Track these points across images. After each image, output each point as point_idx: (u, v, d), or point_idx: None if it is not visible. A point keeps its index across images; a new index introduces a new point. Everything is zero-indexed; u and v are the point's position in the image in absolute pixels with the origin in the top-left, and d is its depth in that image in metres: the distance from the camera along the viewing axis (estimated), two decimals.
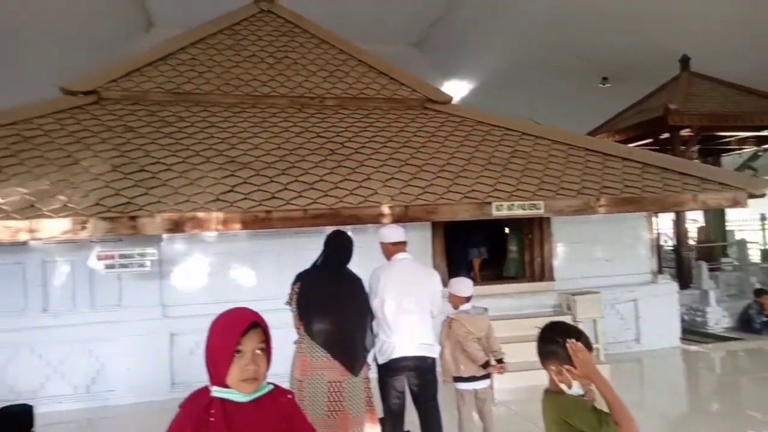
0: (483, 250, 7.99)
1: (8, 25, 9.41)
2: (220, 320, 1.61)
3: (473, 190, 6.17)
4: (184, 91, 7.69)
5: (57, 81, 7.34)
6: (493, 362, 3.81)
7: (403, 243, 3.87)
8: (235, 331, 1.54)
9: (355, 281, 3.56)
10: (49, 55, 10.09)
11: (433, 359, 3.72)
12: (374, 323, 3.64)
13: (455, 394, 3.97)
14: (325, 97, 8.15)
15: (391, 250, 3.84)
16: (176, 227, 5.32)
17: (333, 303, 3.35)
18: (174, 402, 5.50)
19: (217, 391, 1.58)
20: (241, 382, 1.55)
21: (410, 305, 3.66)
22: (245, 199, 5.61)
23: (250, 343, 1.55)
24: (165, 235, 5.91)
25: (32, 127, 6.49)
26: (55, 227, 5.01)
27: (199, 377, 5.55)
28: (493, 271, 7.91)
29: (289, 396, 1.71)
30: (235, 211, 5.44)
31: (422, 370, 3.67)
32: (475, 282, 6.56)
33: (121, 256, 5.35)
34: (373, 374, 3.61)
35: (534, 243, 7.17)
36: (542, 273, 7.03)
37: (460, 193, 6.10)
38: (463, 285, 4.07)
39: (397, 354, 3.61)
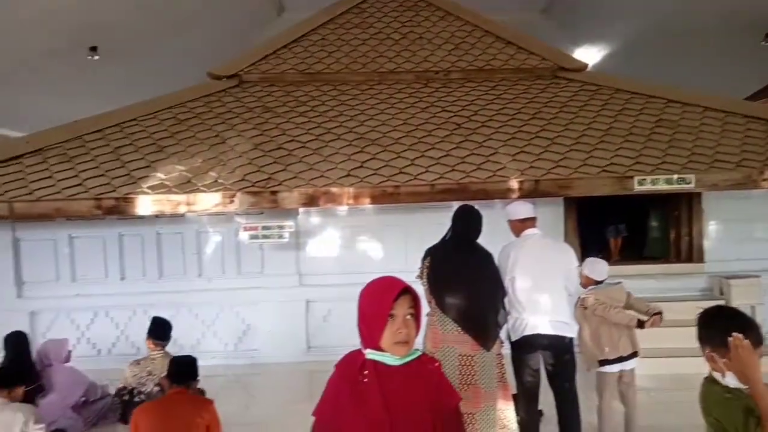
0: (622, 227, 7.45)
1: (161, 18, 10.45)
2: (372, 287, 1.67)
3: (612, 163, 5.75)
4: (316, 71, 8.01)
5: (204, 67, 8.04)
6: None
7: (532, 219, 3.72)
8: (388, 297, 1.59)
9: (487, 256, 3.49)
10: (195, 45, 11.03)
11: (571, 339, 3.56)
12: (506, 300, 3.56)
13: (596, 378, 3.79)
14: (450, 70, 8.03)
15: (519, 227, 3.71)
16: (311, 201, 5.61)
17: (464, 278, 3.32)
18: (310, 364, 5.91)
19: (370, 353, 1.64)
20: (394, 345, 1.60)
21: (543, 282, 3.52)
22: (374, 174, 5.75)
23: (401, 308, 1.60)
24: (301, 209, 6.26)
25: (185, 111, 7.17)
26: (208, 201, 5.53)
27: (332, 342, 5.90)
28: (632, 251, 7.35)
29: (436, 364, 1.73)
30: (365, 186, 5.59)
31: (558, 349, 3.53)
32: (612, 262, 6.23)
33: (264, 228, 5.78)
34: (507, 351, 3.55)
35: (681, 220, 6.53)
36: (690, 253, 6.40)
37: (598, 166, 5.71)
38: (598, 267, 3.84)
39: (530, 331, 3.50)
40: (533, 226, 3.69)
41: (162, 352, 4.43)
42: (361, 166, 5.88)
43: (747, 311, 5.59)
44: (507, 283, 3.56)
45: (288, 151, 6.21)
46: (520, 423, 3.51)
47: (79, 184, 5.67)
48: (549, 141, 6.24)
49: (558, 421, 3.62)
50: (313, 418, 1.71)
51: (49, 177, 5.84)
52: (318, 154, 6.13)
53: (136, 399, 4.24)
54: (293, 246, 6.26)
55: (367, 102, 7.39)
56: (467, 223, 3.49)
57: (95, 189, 5.59)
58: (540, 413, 3.78)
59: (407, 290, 1.62)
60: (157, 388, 4.25)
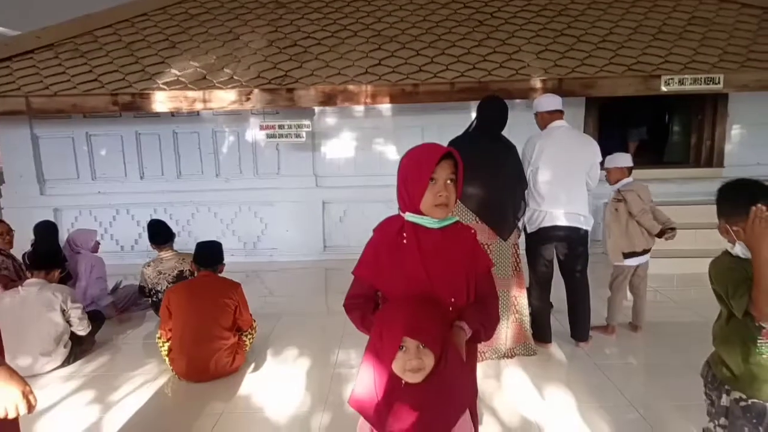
0: (643, 130, 7.32)
1: None
2: (415, 151, 1.69)
3: (638, 62, 5.53)
4: None
5: None
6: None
7: (560, 112, 3.64)
8: (431, 161, 1.61)
9: (510, 148, 3.45)
10: None
11: (586, 231, 3.59)
12: (526, 192, 3.56)
13: (613, 271, 3.89)
14: None
15: (546, 119, 3.64)
16: (329, 100, 5.51)
17: (485, 169, 3.28)
18: (326, 263, 6.07)
19: (410, 216, 1.69)
20: (434, 207, 1.63)
21: (565, 174, 3.50)
22: (392, 72, 5.60)
23: (442, 172, 1.62)
24: (317, 110, 6.17)
25: (197, 5, 6.91)
26: (225, 98, 5.46)
27: (347, 242, 6.02)
28: (652, 156, 7.25)
29: (472, 231, 1.77)
30: (384, 84, 5.46)
31: (573, 240, 3.57)
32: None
33: (280, 127, 5.73)
34: (522, 242, 3.61)
35: (704, 125, 6.37)
36: (710, 158, 6.30)
37: (624, 65, 5.51)
38: (622, 156, 3.86)
39: (547, 223, 3.53)
40: (560, 118, 3.62)
41: (170, 252, 4.42)
42: (378, 64, 5.72)
43: None
44: (529, 174, 3.55)
45: (304, 48, 6.03)
46: (533, 310, 3.64)
47: (95, 80, 5.61)
48: (575, 39, 5.99)
49: (568, 310, 3.74)
50: (352, 277, 1.78)
51: (63, 72, 5.77)
52: (334, 52, 5.95)
53: (154, 299, 4.36)
54: (309, 147, 6.24)
55: None
56: (491, 113, 3.41)
57: (111, 84, 5.53)
58: (550, 305, 3.91)
59: (449, 155, 1.64)
60: (170, 286, 4.36)
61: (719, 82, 5.33)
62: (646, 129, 7.35)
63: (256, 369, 3.52)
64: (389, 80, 5.48)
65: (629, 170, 3.80)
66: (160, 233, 4.40)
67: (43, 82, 5.60)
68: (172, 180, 6.36)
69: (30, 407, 1.54)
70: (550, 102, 3.65)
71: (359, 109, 6.22)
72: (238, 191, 6.37)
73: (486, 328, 1.73)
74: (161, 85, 5.49)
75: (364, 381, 1.60)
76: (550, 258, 3.65)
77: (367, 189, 6.21)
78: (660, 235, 3.72)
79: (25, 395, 1.53)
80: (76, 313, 3.56)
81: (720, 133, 6.25)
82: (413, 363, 1.48)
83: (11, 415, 1.53)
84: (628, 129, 7.35)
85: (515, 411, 2.91)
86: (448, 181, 1.64)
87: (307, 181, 6.31)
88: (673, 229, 3.73)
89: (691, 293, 4.87)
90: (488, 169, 3.34)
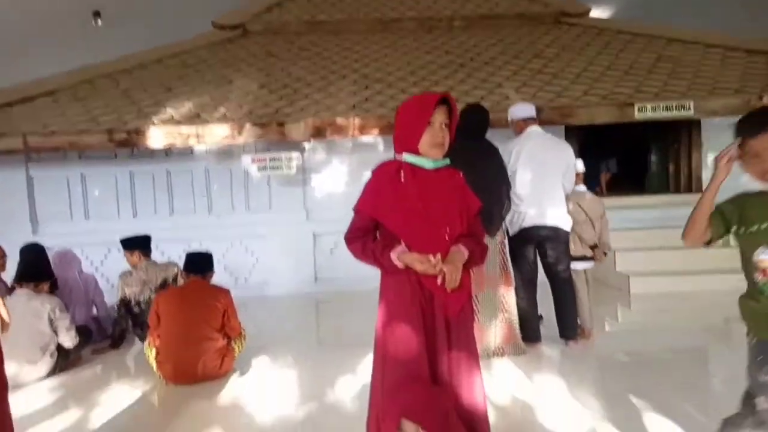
0: (612, 163, 7.60)
1: None
2: (413, 99, 1.90)
3: (613, 93, 5.84)
4: (319, 21, 8.11)
5: (207, 21, 8.09)
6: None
7: (534, 119, 3.83)
8: (429, 105, 1.80)
9: (493, 149, 3.57)
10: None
11: (566, 232, 3.68)
12: (511, 193, 3.66)
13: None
14: (453, 18, 8.12)
15: (521, 126, 3.82)
16: (318, 133, 5.71)
17: (470, 166, 3.39)
18: (317, 295, 6.03)
19: (407, 156, 1.85)
20: (432, 147, 1.82)
21: (543, 176, 3.63)
22: (380, 107, 5.86)
23: (439, 116, 1.82)
24: (307, 145, 6.37)
25: (192, 57, 7.29)
26: (217, 132, 5.65)
27: (338, 274, 6.01)
28: (635, 185, 7.47)
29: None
30: (371, 116, 5.70)
31: (554, 240, 3.64)
32: (608, 195, 6.38)
33: (271, 160, 5.89)
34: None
35: (680, 153, 6.63)
36: (689, 184, 6.51)
37: (599, 95, 5.81)
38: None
39: (528, 223, 3.62)
40: (535, 125, 3.80)
41: (147, 261, 4.35)
42: (366, 101, 6.00)
43: None
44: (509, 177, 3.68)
45: (294, 90, 6.33)
46: (520, 311, 3.64)
47: (92, 119, 5.81)
48: (551, 76, 6.34)
49: (555, 311, 3.74)
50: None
51: (62, 114, 5.98)
52: (323, 91, 6.25)
53: (135, 310, 4.22)
54: (300, 182, 6.38)
55: (371, 48, 7.50)
56: (475, 117, 3.55)
57: (107, 123, 5.72)
58: (539, 317, 3.90)
59: (445, 100, 1.82)
60: (154, 296, 4.21)
61: (690, 108, 5.60)
62: (616, 162, 7.64)
63: (242, 375, 3.47)
64: (376, 113, 5.72)
65: (582, 177, 3.94)
66: (142, 239, 4.38)
67: (41, 122, 5.78)
68: (165, 217, 6.43)
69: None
70: (523, 110, 3.85)
71: (347, 144, 6.43)
72: (230, 227, 6.43)
73: (477, 252, 1.87)
74: (156, 122, 5.68)
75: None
76: (533, 258, 3.71)
77: None
78: (592, 247, 3.86)
79: None
80: (63, 323, 3.53)
81: (696, 159, 6.50)
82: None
83: None
84: (606, 159, 7.62)
85: (505, 409, 2.85)
86: (444, 125, 1.82)
87: (298, 215, 6.40)
88: (603, 253, 3.90)
89: (672, 311, 4.87)
90: (474, 170, 3.45)
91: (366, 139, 6.21)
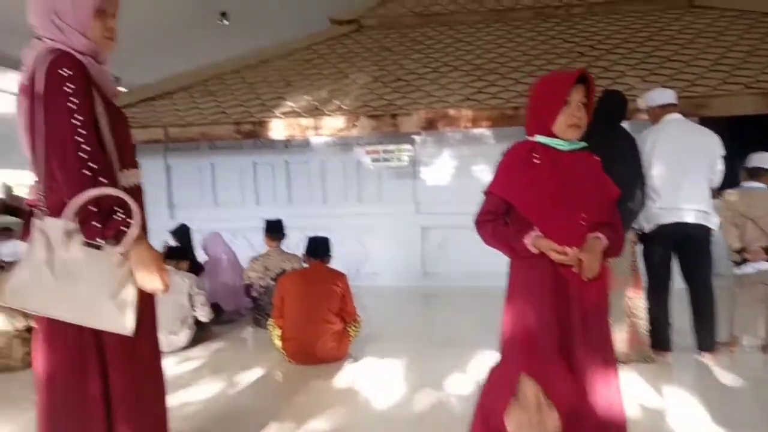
0: None
1: None
2: (549, 76, 1.81)
3: (759, 80, 5.28)
4: (432, 13, 8.11)
5: (326, 14, 8.40)
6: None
7: (673, 105, 3.54)
8: (566, 84, 1.71)
9: (631, 138, 3.32)
10: None
11: (709, 229, 3.36)
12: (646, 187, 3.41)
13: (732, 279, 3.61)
14: (572, 4, 7.76)
15: (658, 113, 3.54)
16: (430, 125, 5.74)
17: (605, 156, 3.23)
18: (425, 289, 6.05)
19: (541, 138, 1.77)
20: (568, 128, 1.73)
21: (683, 168, 3.34)
22: (493, 98, 5.75)
23: (576, 95, 1.73)
24: (418, 138, 6.42)
25: (310, 53, 7.61)
26: (333, 124, 5.87)
27: (446, 268, 5.98)
28: None
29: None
30: (484, 108, 5.62)
31: (696, 239, 3.35)
32: None
33: (384, 151, 6.02)
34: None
35: None
36: None
37: (741, 83, 5.28)
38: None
39: (665, 221, 3.35)
40: (674, 112, 3.51)
41: (276, 248, 4.72)
42: (479, 92, 5.92)
43: None
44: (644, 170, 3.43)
45: (406, 82, 6.39)
46: (650, 316, 3.41)
47: (222, 112, 6.28)
48: (683, 64, 5.86)
49: (692, 318, 3.45)
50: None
51: (195, 107, 6.52)
52: (435, 83, 6.25)
53: (254, 294, 4.60)
54: (410, 174, 6.45)
55: (485, 39, 7.36)
56: (610, 104, 3.31)
57: (235, 115, 6.15)
58: (669, 325, 3.63)
59: (583, 78, 1.73)
60: (273, 283, 4.43)
61: None
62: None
63: (357, 360, 3.60)
64: (489, 104, 5.63)
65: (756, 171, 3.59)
66: (278, 226, 4.71)
67: (179, 115, 6.35)
68: (284, 206, 6.80)
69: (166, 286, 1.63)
70: (662, 95, 3.57)
71: (458, 136, 6.39)
72: (342, 217, 6.66)
73: (615, 242, 1.79)
74: (278, 115, 6.02)
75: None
76: (668, 258, 3.44)
77: (466, 216, 6.19)
78: (739, 252, 3.52)
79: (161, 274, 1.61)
80: (200, 299, 3.87)
81: None
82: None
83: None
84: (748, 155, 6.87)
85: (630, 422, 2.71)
86: (581, 104, 1.72)
87: (408, 208, 6.48)
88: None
89: None
90: (608, 154, 3.27)
91: (477, 131, 6.14)
